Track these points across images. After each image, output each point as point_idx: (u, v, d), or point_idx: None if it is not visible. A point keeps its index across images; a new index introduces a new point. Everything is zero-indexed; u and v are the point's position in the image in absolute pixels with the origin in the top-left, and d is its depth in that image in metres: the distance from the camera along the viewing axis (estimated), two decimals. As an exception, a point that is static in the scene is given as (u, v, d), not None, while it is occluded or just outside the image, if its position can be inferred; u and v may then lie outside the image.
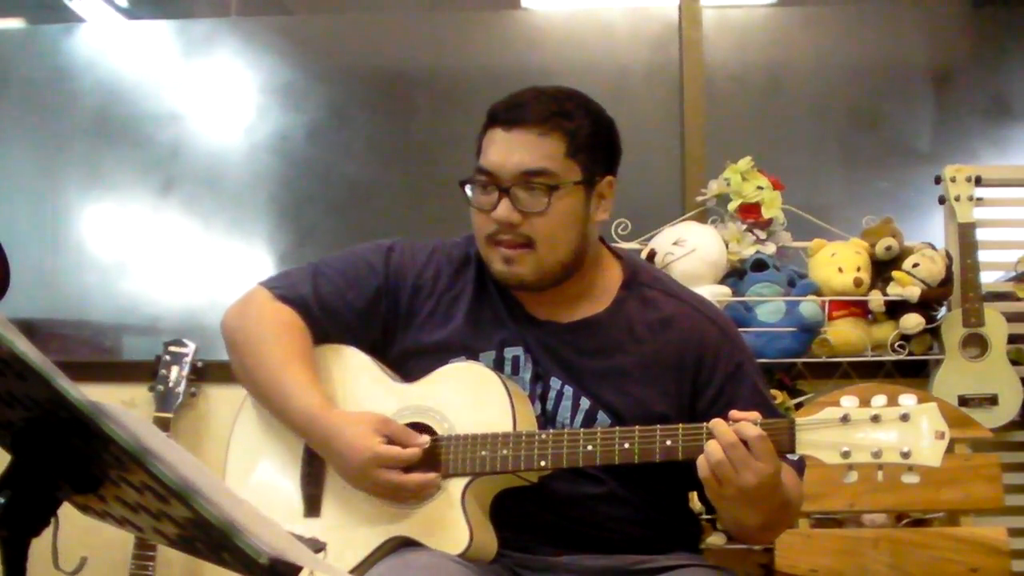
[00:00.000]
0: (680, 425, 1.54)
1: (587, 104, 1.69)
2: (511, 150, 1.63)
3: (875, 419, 1.43)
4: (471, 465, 1.60)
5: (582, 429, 1.62)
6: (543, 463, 1.58)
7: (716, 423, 1.47)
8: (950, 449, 2.20)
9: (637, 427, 1.56)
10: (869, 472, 1.45)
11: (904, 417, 1.42)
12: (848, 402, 1.45)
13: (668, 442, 1.53)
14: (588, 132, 1.66)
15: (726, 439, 1.44)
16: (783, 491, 1.52)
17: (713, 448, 1.44)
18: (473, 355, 1.71)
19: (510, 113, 1.65)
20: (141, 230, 3.26)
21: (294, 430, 1.70)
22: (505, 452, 1.59)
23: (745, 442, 1.43)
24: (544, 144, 1.63)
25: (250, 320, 1.76)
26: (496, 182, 1.64)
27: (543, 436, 1.59)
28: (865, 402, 1.45)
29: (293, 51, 3.34)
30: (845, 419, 1.44)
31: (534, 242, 1.64)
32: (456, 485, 1.61)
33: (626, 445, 1.55)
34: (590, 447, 1.57)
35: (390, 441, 1.60)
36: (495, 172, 1.64)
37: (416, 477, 1.59)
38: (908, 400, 1.43)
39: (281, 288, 1.77)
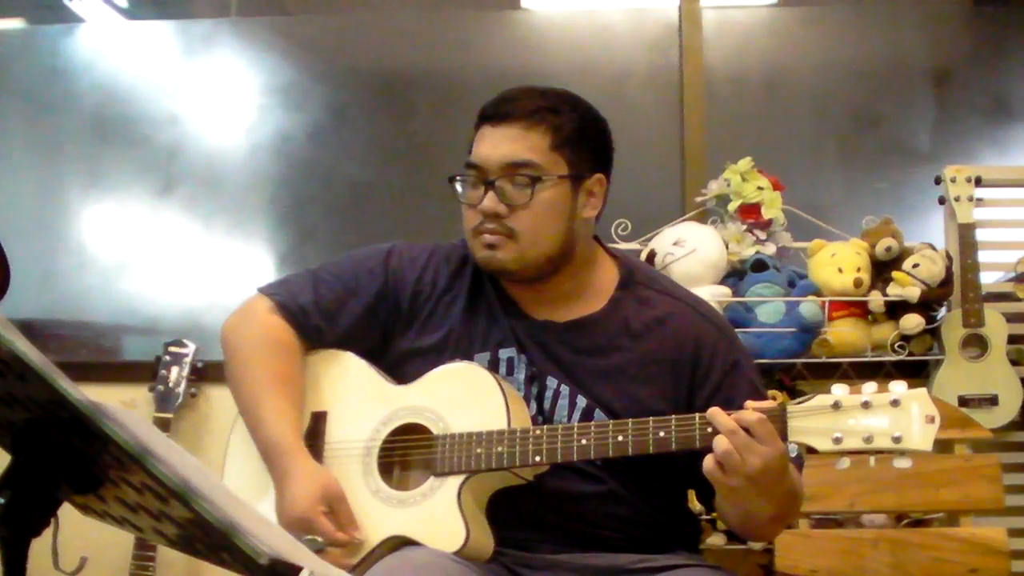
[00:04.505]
0: (673, 416, 1.54)
1: (576, 101, 1.72)
2: (497, 144, 1.66)
3: (866, 405, 1.43)
4: (466, 463, 1.61)
5: (576, 424, 1.63)
6: (538, 458, 1.59)
7: (714, 411, 1.47)
8: (950, 449, 2.21)
9: (630, 420, 1.56)
10: (862, 458, 1.45)
11: (894, 403, 1.42)
12: (839, 390, 1.46)
13: (661, 433, 1.53)
14: (575, 127, 1.68)
15: (726, 426, 1.44)
16: (790, 477, 1.52)
17: (719, 439, 1.44)
18: (468, 356, 1.72)
19: (498, 109, 1.68)
20: (141, 231, 3.26)
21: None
22: (500, 449, 1.60)
23: (746, 428, 1.43)
24: (529, 137, 1.65)
25: (244, 334, 1.77)
26: (483, 176, 1.67)
27: (537, 432, 1.60)
28: (856, 390, 1.45)
29: (293, 52, 3.34)
30: (836, 406, 1.44)
31: (517, 234, 1.66)
32: (452, 483, 1.61)
33: (619, 438, 1.55)
34: (584, 441, 1.57)
35: (331, 514, 1.61)
36: (482, 165, 1.67)
37: (332, 558, 1.59)
38: (898, 387, 1.44)
39: (280, 296, 1.78)
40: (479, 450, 1.60)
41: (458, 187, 1.71)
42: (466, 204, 1.70)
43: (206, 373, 2.91)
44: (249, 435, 1.76)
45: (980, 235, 2.79)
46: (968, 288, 2.74)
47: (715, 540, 2.55)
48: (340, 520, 1.61)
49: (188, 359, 2.88)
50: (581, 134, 1.69)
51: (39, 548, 0.98)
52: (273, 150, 3.28)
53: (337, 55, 3.41)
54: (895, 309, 2.74)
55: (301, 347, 1.77)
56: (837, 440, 1.43)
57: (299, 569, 0.95)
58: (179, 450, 0.95)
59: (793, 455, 1.60)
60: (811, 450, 1.49)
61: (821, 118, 3.25)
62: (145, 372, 2.89)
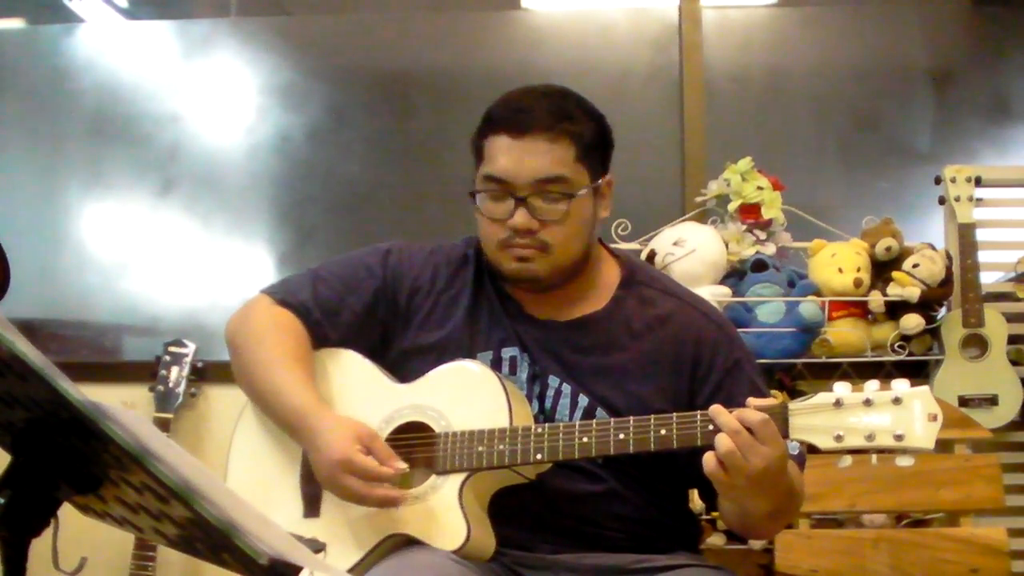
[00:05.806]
0: (674, 414, 1.54)
1: (585, 104, 1.71)
2: (523, 158, 1.63)
3: (868, 403, 1.43)
4: (468, 461, 1.61)
5: (578, 422, 1.63)
6: (539, 456, 1.59)
7: (717, 410, 1.47)
8: (950, 449, 2.21)
9: (632, 418, 1.56)
10: (863, 457, 1.45)
11: (896, 400, 1.42)
12: (840, 388, 1.45)
13: (662, 431, 1.53)
14: (592, 134, 1.67)
15: (729, 425, 1.44)
16: (789, 476, 1.52)
17: (721, 439, 1.44)
18: (470, 355, 1.72)
19: (517, 119, 1.64)
20: (141, 230, 3.26)
21: (283, 427, 1.70)
22: (501, 447, 1.60)
23: (749, 428, 1.43)
24: (555, 150, 1.63)
25: (250, 324, 1.78)
26: (510, 190, 1.64)
27: (539, 430, 1.60)
28: (858, 388, 1.45)
29: (293, 52, 3.34)
30: (838, 404, 1.44)
31: (550, 247, 1.65)
32: (453, 481, 1.61)
33: (621, 436, 1.55)
34: (585, 439, 1.57)
35: (369, 454, 1.59)
36: (509, 180, 1.64)
37: (379, 492, 1.57)
38: (900, 384, 1.43)
39: (281, 293, 1.79)
40: (480, 448, 1.60)
41: (478, 200, 1.68)
42: (490, 219, 1.67)
43: (206, 373, 2.92)
44: (252, 434, 1.76)
45: (980, 235, 2.79)
46: (968, 288, 2.74)
47: (715, 540, 2.55)
48: (379, 456, 1.59)
49: (188, 359, 2.88)
50: (597, 140, 1.69)
51: (39, 548, 0.98)
52: (273, 150, 3.28)
53: (337, 55, 3.40)
54: (895, 309, 2.74)
55: (307, 335, 1.76)
56: (839, 438, 1.43)
57: (299, 569, 0.95)
58: (179, 450, 0.95)
59: (795, 452, 1.60)
60: (812, 448, 1.49)
61: (821, 118, 3.25)
62: (145, 372, 2.90)
